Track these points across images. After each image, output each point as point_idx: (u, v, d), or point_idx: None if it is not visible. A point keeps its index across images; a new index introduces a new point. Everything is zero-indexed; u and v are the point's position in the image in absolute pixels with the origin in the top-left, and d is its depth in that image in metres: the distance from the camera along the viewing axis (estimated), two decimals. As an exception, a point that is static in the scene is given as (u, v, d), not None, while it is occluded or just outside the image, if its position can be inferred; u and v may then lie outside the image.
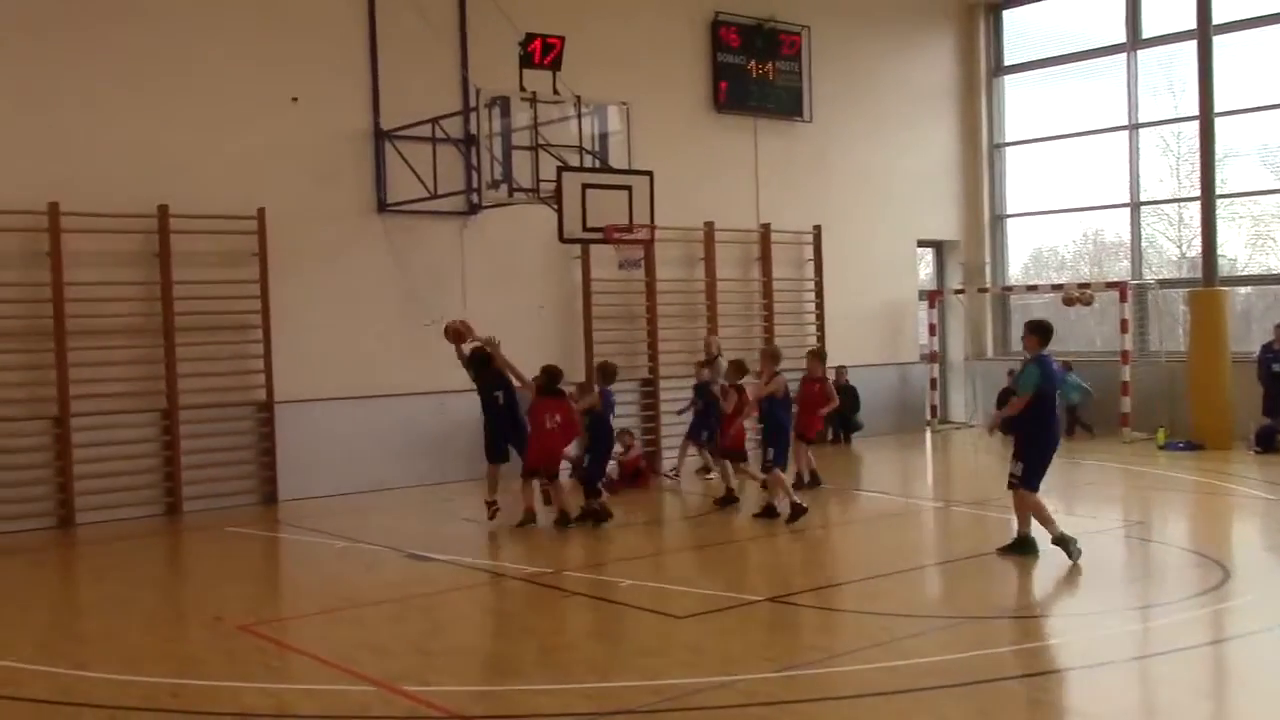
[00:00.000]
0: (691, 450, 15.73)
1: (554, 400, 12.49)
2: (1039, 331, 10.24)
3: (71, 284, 13.15)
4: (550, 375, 12.52)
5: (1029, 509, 10.23)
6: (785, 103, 19.41)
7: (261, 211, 14.28)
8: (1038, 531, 10.23)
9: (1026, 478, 10.13)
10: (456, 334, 12.90)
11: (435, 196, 14.94)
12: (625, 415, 17.26)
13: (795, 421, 14.02)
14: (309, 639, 8.29)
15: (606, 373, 13.00)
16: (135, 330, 13.77)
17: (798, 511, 12.00)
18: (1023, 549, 10.25)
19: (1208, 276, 17.93)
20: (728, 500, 13.40)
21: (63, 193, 13.08)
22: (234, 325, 14.41)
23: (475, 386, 13.01)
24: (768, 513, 12.34)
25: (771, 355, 12.96)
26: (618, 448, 14.60)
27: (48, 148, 13.16)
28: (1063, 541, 9.97)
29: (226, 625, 8.61)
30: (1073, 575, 10.00)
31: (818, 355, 15.00)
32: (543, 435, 12.37)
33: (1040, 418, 10.09)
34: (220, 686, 7.13)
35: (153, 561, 11.95)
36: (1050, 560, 10.79)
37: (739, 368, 13.79)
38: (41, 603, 10.03)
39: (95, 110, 13.47)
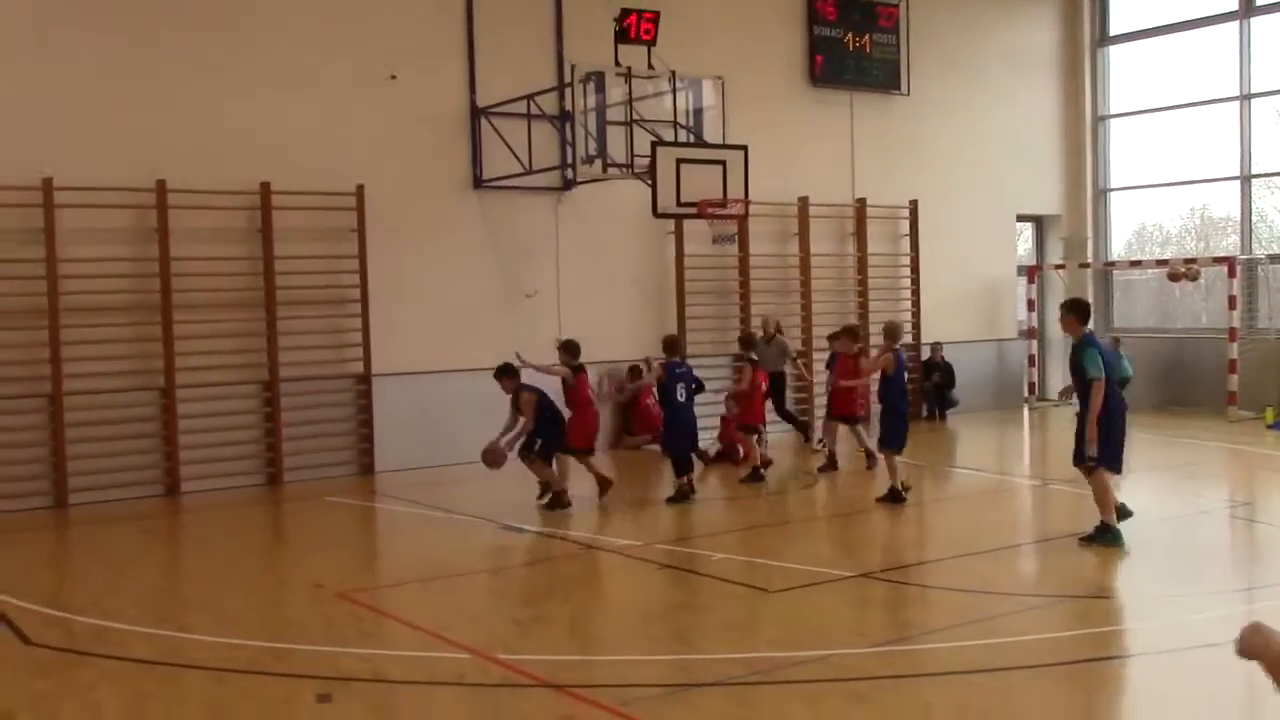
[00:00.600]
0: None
1: (585, 376, 12.73)
2: (1077, 311, 9.85)
3: (178, 259, 13.48)
4: (569, 349, 12.59)
5: (1100, 490, 9.80)
6: (882, 76, 19.14)
7: (360, 188, 14.50)
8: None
9: (1102, 458, 9.66)
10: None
11: (530, 172, 15.03)
12: (716, 390, 17.28)
13: (833, 401, 14.30)
14: (405, 606, 8.44)
15: (666, 345, 13.11)
16: (239, 304, 14.09)
17: (895, 496, 11.68)
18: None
19: (1321, 251, 17.34)
20: (828, 467, 13.83)
21: (170, 171, 13.41)
22: (333, 300, 14.67)
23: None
24: (891, 497, 11.72)
25: (890, 331, 12.43)
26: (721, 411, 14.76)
27: (156, 127, 13.47)
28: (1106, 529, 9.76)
29: (326, 592, 8.80)
30: (1176, 557, 9.79)
31: (850, 333, 14.21)
32: (586, 412, 12.50)
33: (1107, 397, 9.59)
34: (319, 651, 7.30)
35: (254, 530, 12.25)
36: (1149, 540, 10.58)
37: (853, 334, 13.98)
38: (148, 568, 10.35)
39: (201, 91, 13.76)
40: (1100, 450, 9.60)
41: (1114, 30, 21.81)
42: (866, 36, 18.95)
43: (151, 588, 9.51)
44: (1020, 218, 21.66)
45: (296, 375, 14.32)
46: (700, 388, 13.21)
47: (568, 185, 15.84)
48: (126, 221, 13.40)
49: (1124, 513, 9.98)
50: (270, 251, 14.06)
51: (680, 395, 12.62)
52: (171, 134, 13.56)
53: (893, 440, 11.89)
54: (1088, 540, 9.71)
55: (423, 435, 14.96)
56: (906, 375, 12.82)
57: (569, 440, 12.30)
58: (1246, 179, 20.10)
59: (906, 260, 19.54)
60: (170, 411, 13.57)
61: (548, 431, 12.04)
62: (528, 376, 12.23)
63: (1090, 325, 9.84)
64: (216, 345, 13.87)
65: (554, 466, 12.21)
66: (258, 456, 14.23)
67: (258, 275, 14.11)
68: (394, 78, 14.93)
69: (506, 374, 12.13)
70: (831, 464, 13.96)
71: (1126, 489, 13.32)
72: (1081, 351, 9.64)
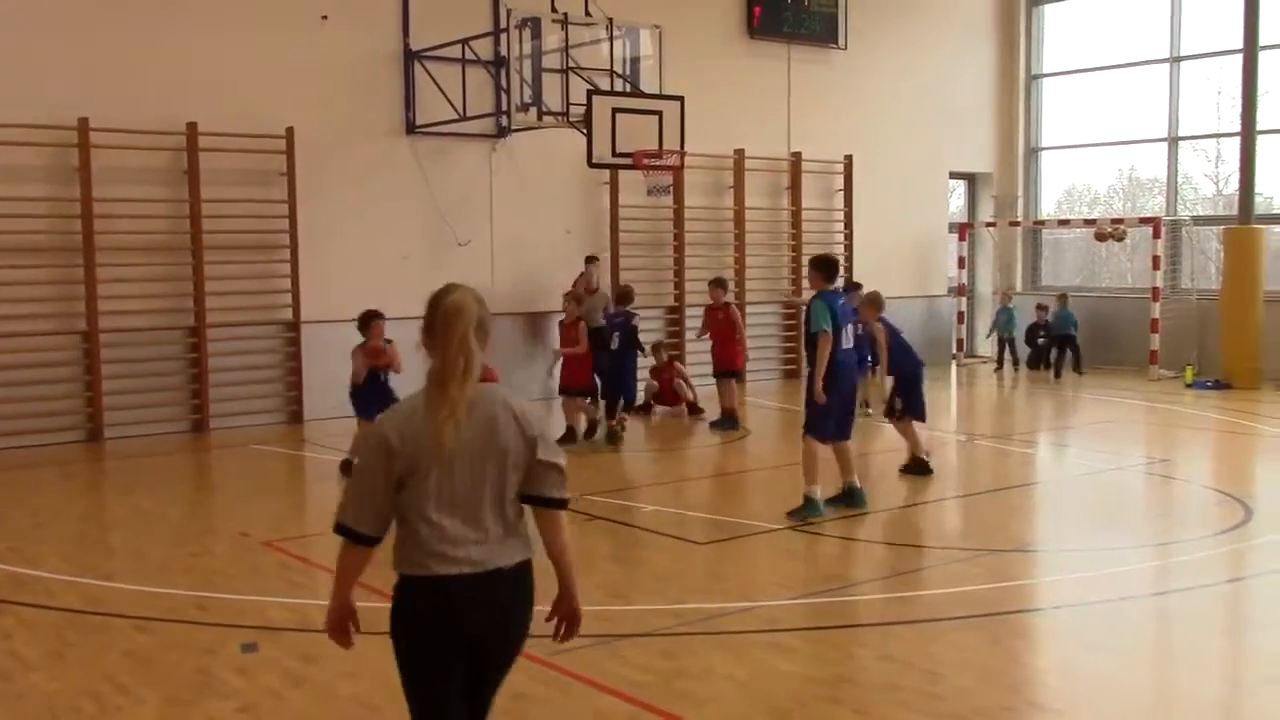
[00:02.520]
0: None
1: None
2: (821, 267, 9.44)
3: (100, 200, 13.19)
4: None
5: (808, 453, 9.33)
6: (820, 29, 19.12)
7: (290, 131, 14.24)
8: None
9: (810, 424, 9.32)
10: None
11: (464, 119, 14.86)
12: (648, 341, 17.31)
13: (716, 356, 14.25)
14: (332, 555, 8.36)
15: (618, 295, 13.59)
16: (164, 247, 13.83)
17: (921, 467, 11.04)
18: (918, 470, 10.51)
19: (1244, 214, 17.70)
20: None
21: (92, 108, 13.07)
22: (262, 245, 14.45)
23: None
24: (917, 468, 11.04)
25: (875, 301, 11.87)
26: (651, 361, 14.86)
27: (77, 64, 13.12)
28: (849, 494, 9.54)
29: (252, 541, 8.73)
30: (1095, 512, 10.01)
31: (719, 284, 14.51)
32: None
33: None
34: (245, 600, 7.25)
35: (179, 477, 12.10)
36: (1070, 496, 10.82)
37: (723, 285, 14.35)
38: (71, 516, 10.17)
39: (125, 26, 13.41)
40: (817, 416, 9.27)
41: (1049, -11, 21.97)
42: (805, -11, 18.91)
43: (73, 535, 9.36)
44: (953, 175, 21.83)
45: (224, 321, 14.10)
46: (635, 341, 13.41)
47: (502, 133, 15.69)
48: (47, 160, 13.06)
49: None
50: (197, 194, 13.79)
51: (614, 344, 13.16)
52: (95, 70, 13.21)
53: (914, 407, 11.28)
54: (791, 516, 9.21)
55: (352, 383, 14.79)
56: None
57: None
58: (1174, 141, 20.42)
59: (840, 215, 19.63)
60: (93, 356, 13.31)
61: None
62: None
63: (837, 284, 9.54)
64: (141, 289, 13.62)
65: None
66: (183, 404, 14.04)
67: (184, 218, 13.84)
68: (325, 18, 14.64)
69: None
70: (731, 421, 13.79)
71: (1049, 447, 13.61)
72: (812, 304, 9.32)
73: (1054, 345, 19.62)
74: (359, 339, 10.97)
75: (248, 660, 6.16)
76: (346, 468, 10.82)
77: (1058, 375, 19.22)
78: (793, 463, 11.66)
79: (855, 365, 9.62)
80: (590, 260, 15.87)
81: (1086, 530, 9.37)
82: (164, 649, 6.40)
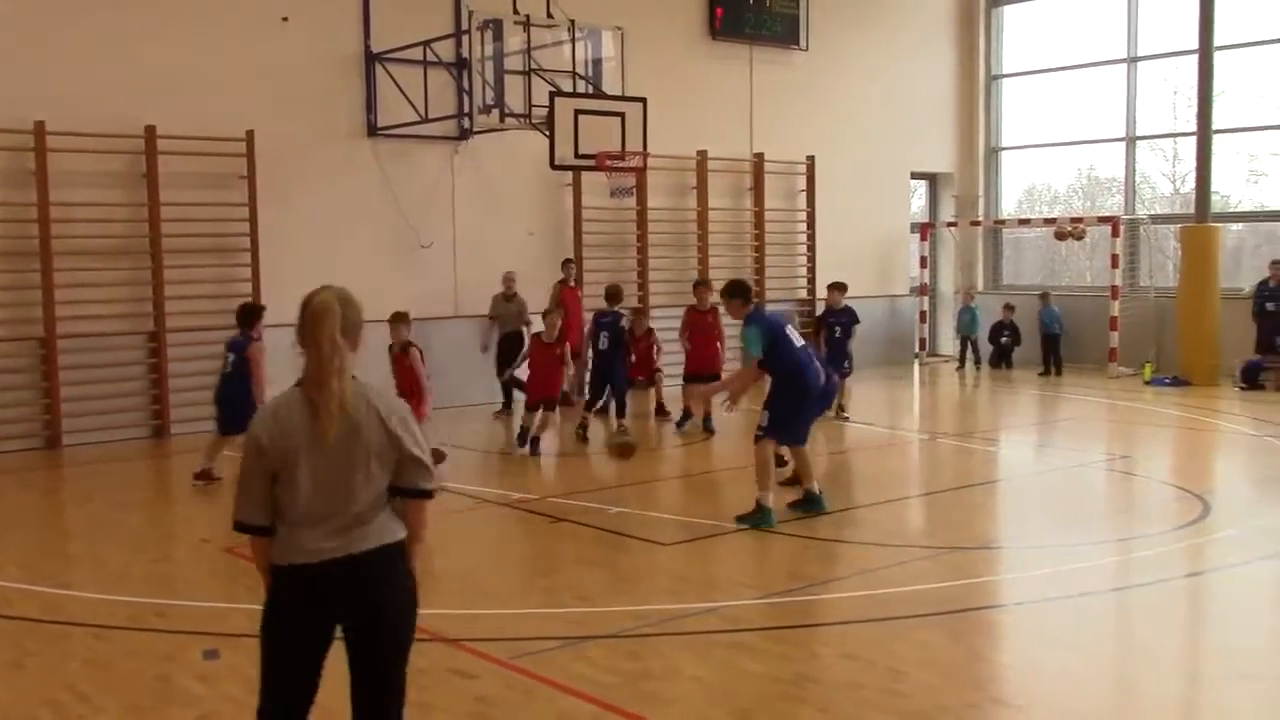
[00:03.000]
0: None
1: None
2: (735, 294, 9.44)
3: (57, 204, 13.04)
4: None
5: (761, 459, 9.24)
6: (782, 30, 19.18)
7: (250, 134, 14.13)
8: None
9: (771, 427, 9.23)
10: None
11: (426, 121, 14.80)
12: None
13: (698, 359, 13.78)
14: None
15: (607, 294, 13.96)
16: (122, 251, 13.69)
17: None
18: (809, 505, 9.43)
19: (1201, 212, 17.89)
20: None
21: (49, 111, 12.92)
22: (222, 248, 14.33)
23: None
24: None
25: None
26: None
27: (34, 65, 12.97)
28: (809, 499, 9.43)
29: (212, 547, 8.65)
30: (1056, 509, 10.10)
31: (706, 285, 14.33)
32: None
33: (785, 371, 9.19)
34: (206, 607, 7.18)
35: (139, 484, 11.97)
36: (1032, 493, 10.90)
37: (709, 287, 14.00)
38: (29, 523, 10.06)
39: (82, 27, 13.27)
40: (777, 423, 9.19)
41: (1008, -10, 22.14)
42: (767, -10, 18.97)
43: (32, 544, 9.24)
44: (914, 175, 21.96)
45: (183, 326, 13.97)
46: (623, 341, 13.95)
47: (464, 135, 15.64)
48: (3, 164, 12.92)
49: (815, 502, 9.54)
50: (156, 198, 13.66)
51: (603, 344, 13.71)
52: (51, 73, 13.07)
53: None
54: (740, 520, 9.09)
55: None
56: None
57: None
58: (1132, 141, 20.63)
59: (803, 216, 19.70)
60: (50, 362, 13.16)
61: None
62: None
63: (753, 303, 9.52)
64: (99, 294, 13.48)
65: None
66: (143, 409, 13.90)
67: (142, 222, 13.71)
68: (286, 20, 14.55)
69: None
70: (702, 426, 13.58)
71: (1011, 445, 13.71)
72: (744, 331, 9.25)
73: (1017, 339, 19.86)
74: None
75: (209, 667, 6.10)
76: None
77: (1009, 366, 19.52)
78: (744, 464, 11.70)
79: (818, 368, 9.41)
80: (567, 264, 15.88)
81: (1048, 527, 9.44)
82: (124, 657, 6.33)
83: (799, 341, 9.37)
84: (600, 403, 14.06)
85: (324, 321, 3.79)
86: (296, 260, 14.58)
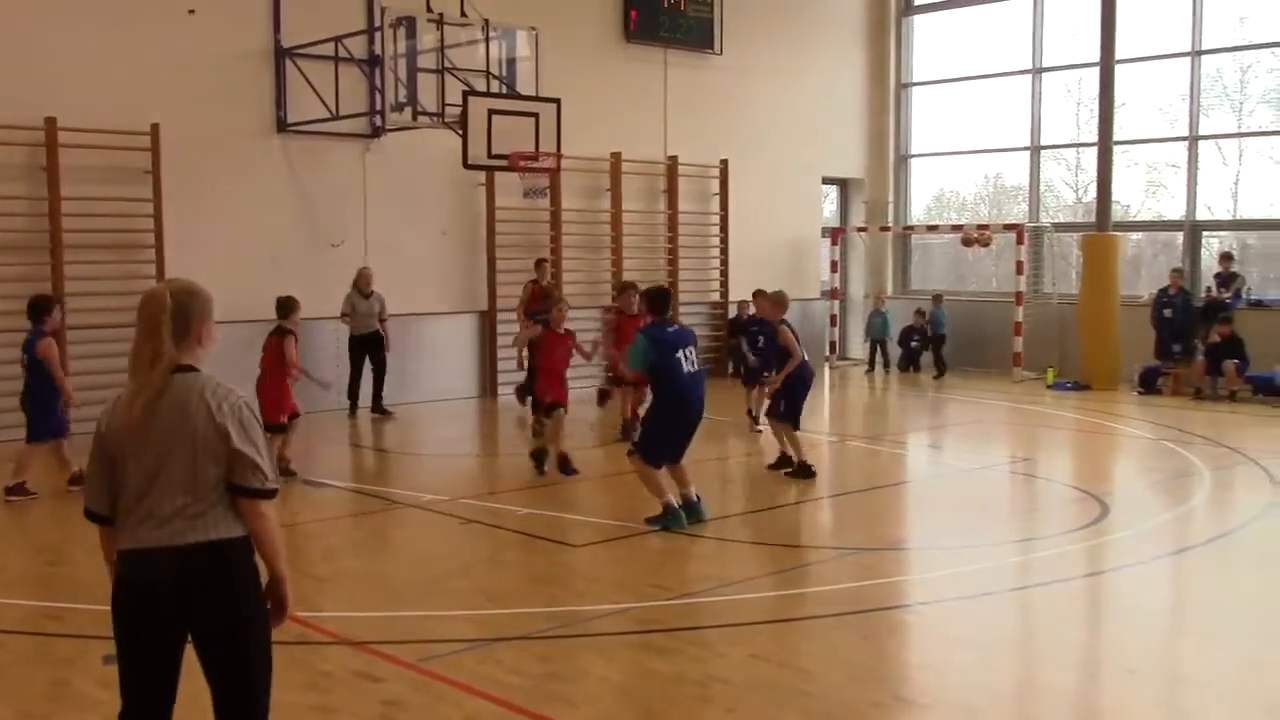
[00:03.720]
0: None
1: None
2: (650, 300, 9.48)
3: (-48, 196, 12.67)
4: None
5: (640, 472, 9.23)
6: (696, 34, 19.29)
7: (155, 127, 13.84)
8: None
9: (643, 448, 9.19)
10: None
11: (337, 118, 14.62)
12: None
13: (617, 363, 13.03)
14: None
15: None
16: (21, 246, 13.33)
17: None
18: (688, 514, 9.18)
19: (1101, 221, 18.32)
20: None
21: (-57, 100, 12.56)
22: (125, 244, 14.01)
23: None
24: (802, 471, 11.07)
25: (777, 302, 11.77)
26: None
27: (-74, 53, 12.60)
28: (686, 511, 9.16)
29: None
30: (961, 510, 10.28)
31: (634, 289, 13.58)
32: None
33: (666, 391, 9.15)
34: (103, 611, 6.99)
35: (37, 485, 11.62)
36: (937, 495, 11.09)
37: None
38: (-80, 524, 9.74)
39: (-22, 15, 12.92)
40: (649, 444, 9.17)
41: (918, 0, 22.48)
42: (681, -6, 19.06)
43: (-79, 546, 8.96)
44: (826, 180, 22.21)
45: (85, 324, 13.62)
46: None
47: (376, 133, 15.48)
48: (-106, 155, 12.51)
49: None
50: (56, 191, 13.32)
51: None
52: (-55, 62, 12.69)
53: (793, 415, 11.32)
54: (650, 522, 9.08)
55: (221, 387, 14.45)
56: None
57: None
58: (1036, 150, 21.09)
59: (716, 219, 19.82)
60: (-56, 359, 12.75)
61: None
62: None
63: (663, 315, 9.38)
64: (-4, 289, 13.10)
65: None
66: (41, 407, 13.50)
67: (42, 216, 13.36)
68: (192, 12, 14.26)
69: None
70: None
71: (917, 447, 13.92)
72: (635, 339, 9.30)
73: (926, 343, 20.22)
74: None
75: (110, 673, 5.94)
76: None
77: (917, 370, 19.87)
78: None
79: (700, 392, 9.25)
80: (541, 263, 15.70)
81: (952, 528, 9.60)
82: (16, 662, 6.17)
83: (689, 366, 9.11)
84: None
85: (147, 310, 3.77)
86: (203, 257, 14.31)
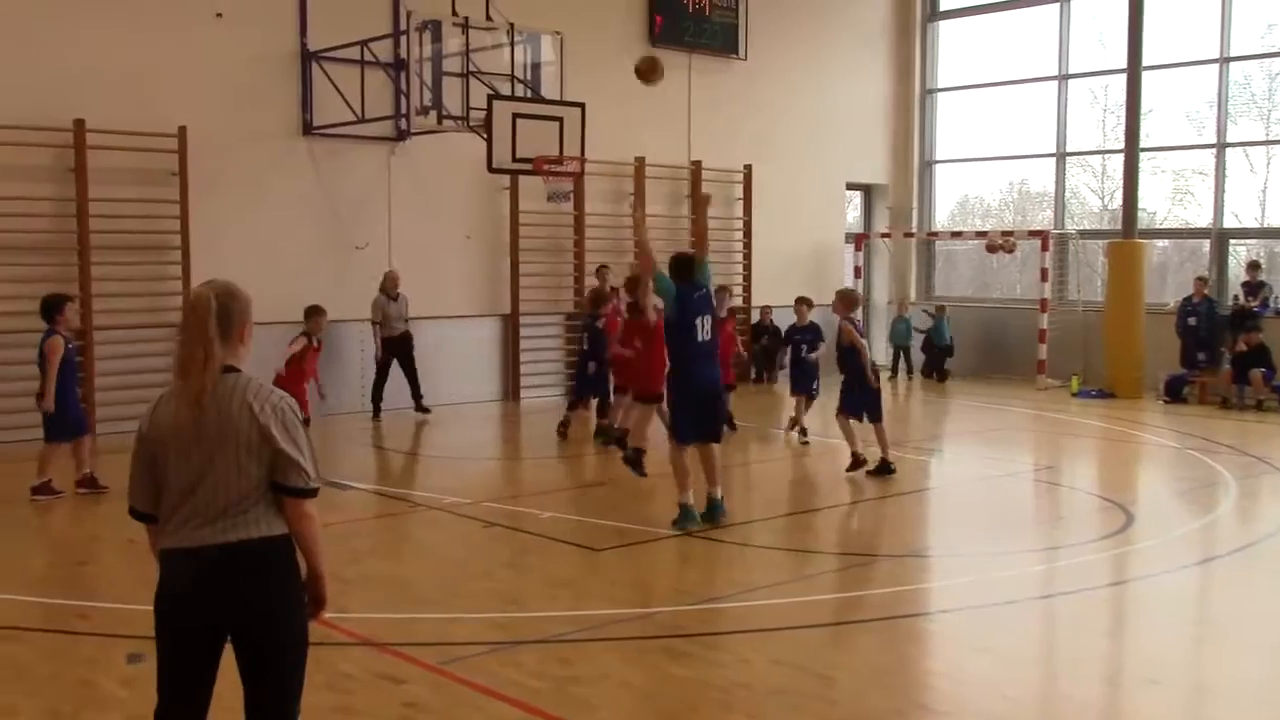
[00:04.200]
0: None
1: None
2: (675, 265, 9.33)
3: (-18, 197, 12.77)
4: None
5: (670, 462, 9.33)
6: (721, 39, 19.29)
7: (183, 130, 13.93)
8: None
9: (672, 426, 9.40)
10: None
11: (362, 121, 14.69)
12: (547, 349, 17.35)
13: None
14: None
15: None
16: (49, 247, 13.44)
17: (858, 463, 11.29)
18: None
19: (1127, 228, 18.23)
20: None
21: (-26, 102, 12.66)
22: (152, 245, 14.11)
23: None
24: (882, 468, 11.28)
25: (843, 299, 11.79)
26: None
27: (-42, 55, 12.71)
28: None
29: (139, 548, 8.48)
30: (984, 518, 10.24)
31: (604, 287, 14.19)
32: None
33: (673, 354, 9.27)
34: (131, 610, 7.05)
35: (65, 484, 11.72)
36: (961, 502, 11.05)
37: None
38: (-53, 522, 9.82)
39: (9, 18, 13.02)
40: (676, 420, 9.33)
41: (944, 6, 22.43)
42: (706, -1, 19.08)
43: (-51, 543, 9.04)
44: (850, 186, 22.16)
45: (111, 324, 13.74)
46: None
47: (401, 136, 15.54)
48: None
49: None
50: (84, 193, 13.42)
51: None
52: (-24, 65, 12.80)
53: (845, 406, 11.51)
54: (674, 525, 9.13)
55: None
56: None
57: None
58: (1062, 156, 21.00)
59: (739, 224, 19.81)
60: (-28, 359, 12.86)
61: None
62: None
63: (688, 279, 9.24)
64: (24, 290, 13.12)
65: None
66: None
67: (70, 217, 13.47)
68: (220, 16, 14.36)
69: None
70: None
71: (942, 454, 13.88)
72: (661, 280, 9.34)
73: (933, 353, 20.32)
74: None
75: (133, 671, 6.00)
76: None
77: (941, 378, 19.92)
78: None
79: (714, 362, 9.33)
80: (602, 270, 15.52)
81: (975, 535, 9.56)
82: (42, 660, 6.21)
83: (702, 335, 9.11)
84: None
85: (195, 313, 3.83)
86: (229, 259, 14.36)
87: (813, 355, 13.30)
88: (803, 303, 13.79)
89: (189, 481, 3.78)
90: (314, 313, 11.78)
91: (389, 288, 15.16)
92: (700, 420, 9.25)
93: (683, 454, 9.27)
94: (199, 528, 3.77)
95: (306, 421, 11.02)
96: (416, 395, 15.33)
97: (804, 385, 13.43)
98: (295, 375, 11.32)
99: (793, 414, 13.62)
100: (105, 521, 9.91)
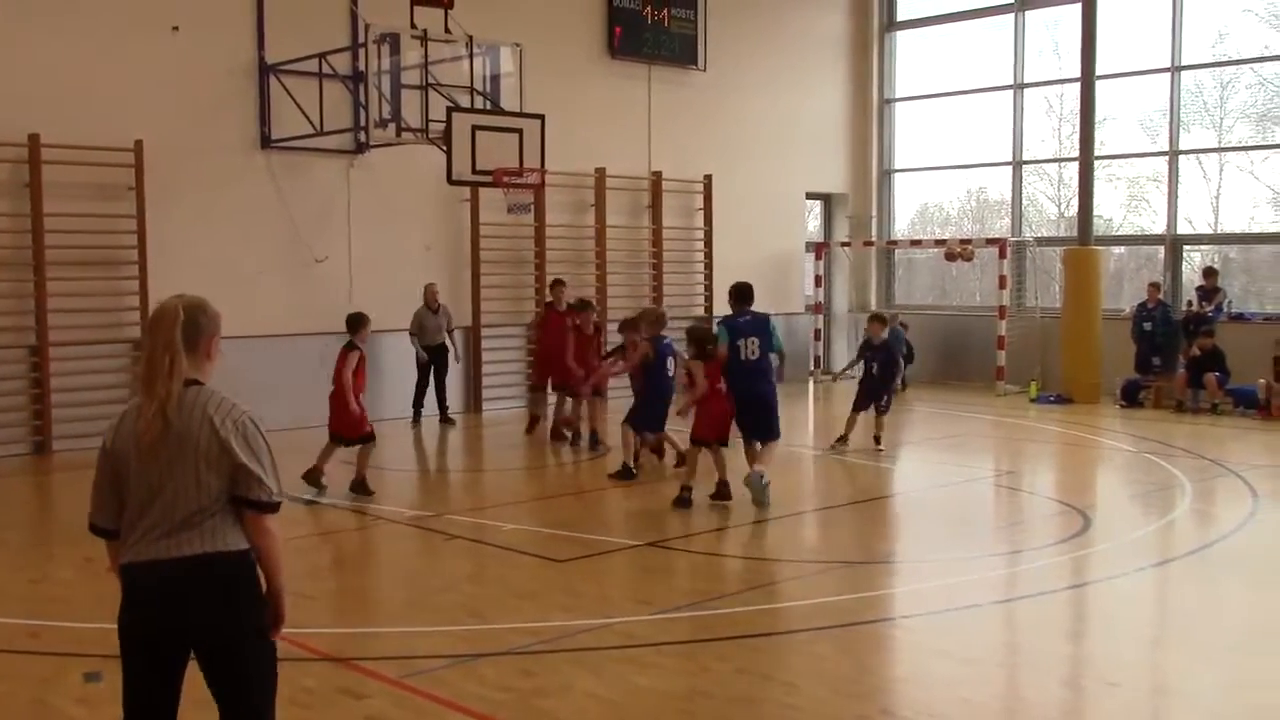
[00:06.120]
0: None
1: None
2: (734, 293, 10.93)
3: (-66, 213, 12.63)
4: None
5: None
6: (680, 50, 19.36)
7: (139, 144, 13.83)
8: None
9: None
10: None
11: (321, 134, 14.62)
12: (509, 360, 17.32)
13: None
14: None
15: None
16: (4, 263, 13.29)
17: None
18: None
19: (1083, 236, 18.42)
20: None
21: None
22: (109, 260, 13.98)
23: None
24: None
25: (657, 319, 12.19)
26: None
27: (-92, 69, 12.56)
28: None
29: (96, 566, 8.41)
30: (945, 523, 10.30)
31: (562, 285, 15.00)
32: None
33: (729, 370, 10.54)
34: (88, 628, 6.98)
35: (19, 501, 11.61)
36: (922, 508, 11.11)
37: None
38: (-100, 542, 9.68)
39: (-40, 31, 12.89)
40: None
41: (901, 16, 22.61)
42: (665, 10, 19.12)
43: (-99, 564, 8.91)
44: (810, 195, 22.27)
45: (68, 340, 13.59)
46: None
47: (360, 148, 15.49)
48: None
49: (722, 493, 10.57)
50: (40, 208, 13.28)
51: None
52: (-73, 79, 12.66)
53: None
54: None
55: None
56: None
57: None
58: (1018, 165, 21.19)
59: (700, 234, 19.86)
60: (-75, 376, 12.71)
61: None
62: None
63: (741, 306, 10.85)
64: (-22, 306, 13.06)
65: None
66: (24, 425, 13.48)
67: (25, 233, 13.32)
68: (176, 29, 14.27)
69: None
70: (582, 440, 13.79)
71: (903, 461, 13.95)
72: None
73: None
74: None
75: (90, 690, 5.93)
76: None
77: (903, 386, 19.97)
78: (648, 480, 11.75)
79: (762, 377, 10.68)
80: (557, 284, 15.10)
81: (936, 541, 9.63)
82: (-3, 680, 6.13)
83: (747, 354, 10.52)
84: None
85: (161, 322, 3.85)
86: (187, 273, 14.23)
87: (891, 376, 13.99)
88: (876, 320, 13.97)
89: (148, 493, 3.77)
90: (363, 322, 11.14)
91: (429, 300, 15.50)
92: (756, 423, 10.66)
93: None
94: (157, 540, 3.75)
95: (371, 435, 10.95)
96: (442, 404, 15.78)
97: (876, 401, 13.61)
98: (358, 388, 10.92)
99: (844, 431, 13.61)
100: (59, 540, 9.81)
